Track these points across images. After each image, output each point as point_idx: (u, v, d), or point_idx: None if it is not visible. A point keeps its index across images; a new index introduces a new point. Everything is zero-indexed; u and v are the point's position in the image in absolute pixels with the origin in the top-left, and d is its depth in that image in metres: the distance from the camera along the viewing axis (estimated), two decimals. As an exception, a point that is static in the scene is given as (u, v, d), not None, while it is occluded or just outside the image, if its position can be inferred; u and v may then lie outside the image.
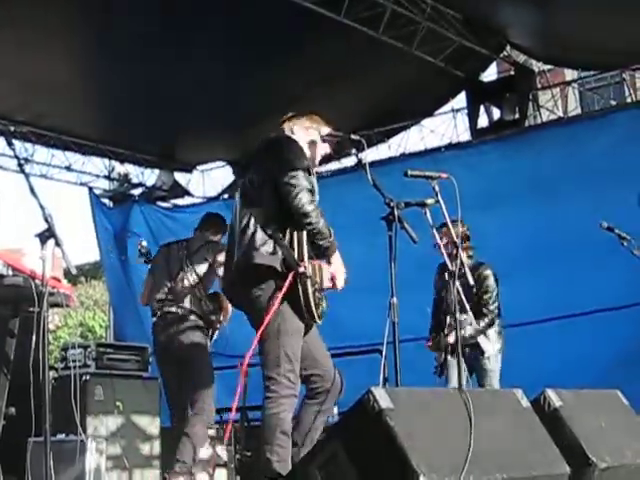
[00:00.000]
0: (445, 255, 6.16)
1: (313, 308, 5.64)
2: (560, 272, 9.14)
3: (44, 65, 10.39)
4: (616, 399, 6.07)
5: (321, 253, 5.80)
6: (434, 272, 8.25)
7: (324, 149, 6.15)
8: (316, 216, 5.62)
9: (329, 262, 5.80)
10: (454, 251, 6.78)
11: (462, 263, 6.37)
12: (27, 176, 5.20)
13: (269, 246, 5.65)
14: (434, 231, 6.10)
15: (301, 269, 5.61)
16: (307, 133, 6.08)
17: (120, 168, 14.15)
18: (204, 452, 8.56)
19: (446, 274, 6.66)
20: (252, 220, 5.74)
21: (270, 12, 9.33)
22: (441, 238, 6.40)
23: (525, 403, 5.23)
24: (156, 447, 9.16)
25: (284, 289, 5.52)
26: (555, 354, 9.81)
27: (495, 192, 10.47)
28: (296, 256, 5.62)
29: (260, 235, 5.67)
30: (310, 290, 5.62)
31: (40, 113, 12.00)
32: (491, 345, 8.10)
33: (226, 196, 14.03)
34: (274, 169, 5.71)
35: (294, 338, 5.66)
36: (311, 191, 5.67)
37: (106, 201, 14.21)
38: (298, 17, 9.41)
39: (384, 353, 5.95)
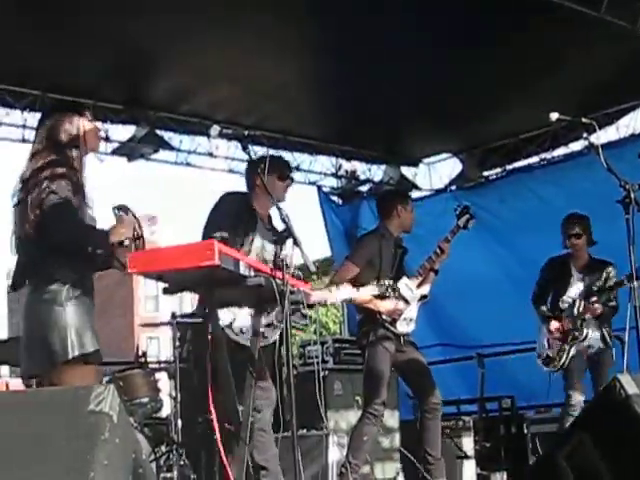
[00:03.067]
0: None
1: None
2: None
3: (269, 69, 10.59)
4: None
5: None
6: None
7: None
8: None
9: None
10: None
11: None
12: (263, 179, 5.33)
13: None
14: None
15: None
16: None
17: (347, 165, 14.24)
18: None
19: None
20: None
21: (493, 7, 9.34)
22: None
23: None
24: (396, 440, 9.21)
25: None
26: None
27: None
28: None
29: None
30: None
31: (266, 116, 12.24)
32: None
33: (454, 187, 13.98)
34: None
35: None
36: None
37: (335, 198, 14.37)
38: (517, 4, 9.34)
39: (626, 339, 5.83)
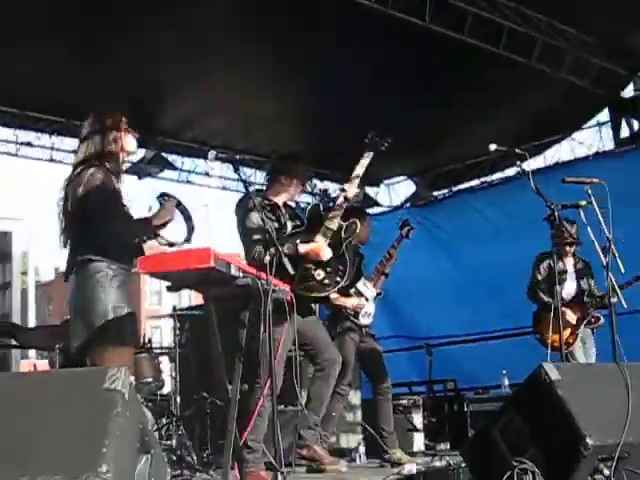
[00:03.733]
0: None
1: None
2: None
3: (259, 105, 10.65)
4: None
5: None
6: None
7: None
8: None
9: None
10: None
11: None
12: (251, 195, 5.35)
13: None
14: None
15: None
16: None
17: (320, 185, 14.37)
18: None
19: None
20: None
21: (442, 53, 9.42)
22: None
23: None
24: (358, 415, 9.22)
25: None
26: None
27: (638, 193, 10.15)
28: None
29: None
30: None
31: (255, 143, 12.30)
32: None
33: (408, 205, 14.06)
34: None
35: None
36: None
37: (310, 213, 14.40)
38: (463, 55, 9.43)
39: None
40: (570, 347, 7.92)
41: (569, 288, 8.21)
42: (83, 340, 4.87)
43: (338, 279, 6.42)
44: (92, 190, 4.94)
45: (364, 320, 7.78)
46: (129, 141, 5.29)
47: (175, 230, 5.29)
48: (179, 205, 5.31)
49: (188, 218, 5.35)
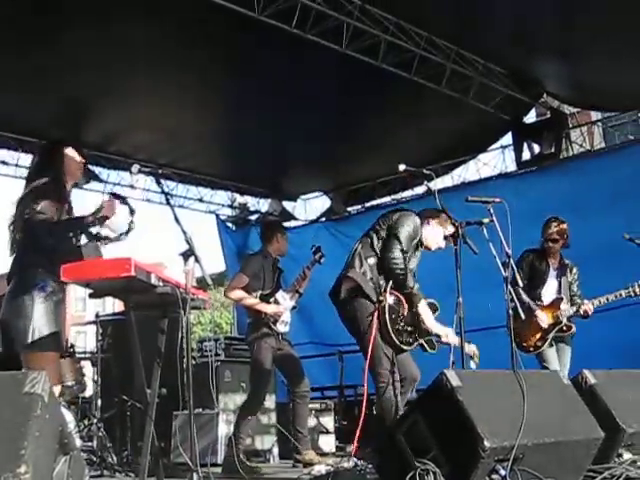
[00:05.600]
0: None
1: (393, 337, 5.80)
2: (593, 276, 8.83)
3: (181, 121, 10.60)
4: (641, 376, 5.97)
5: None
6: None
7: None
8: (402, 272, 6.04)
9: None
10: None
11: None
12: (172, 207, 5.31)
13: (364, 269, 5.86)
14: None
15: (380, 297, 5.81)
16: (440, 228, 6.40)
17: (240, 199, 14.43)
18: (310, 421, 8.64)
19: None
20: (359, 247, 6.24)
21: (356, 78, 9.50)
22: None
23: (566, 381, 5.19)
24: (273, 418, 9.21)
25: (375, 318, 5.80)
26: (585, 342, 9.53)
27: (537, 212, 10.30)
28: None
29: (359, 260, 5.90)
30: (388, 320, 5.78)
31: (177, 158, 12.24)
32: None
33: (324, 219, 14.12)
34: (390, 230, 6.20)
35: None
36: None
37: (230, 225, 14.38)
38: (377, 79, 9.53)
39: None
40: (538, 350, 7.67)
41: (550, 288, 7.91)
42: (5, 348, 4.91)
43: None
44: (34, 218, 5.12)
45: (281, 328, 7.79)
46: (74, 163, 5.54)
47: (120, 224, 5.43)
48: (123, 200, 5.46)
49: (131, 212, 5.48)
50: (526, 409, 4.36)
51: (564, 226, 7.71)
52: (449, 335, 6.23)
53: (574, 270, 8.06)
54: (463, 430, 4.12)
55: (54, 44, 8.42)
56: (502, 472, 4.16)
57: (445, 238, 6.34)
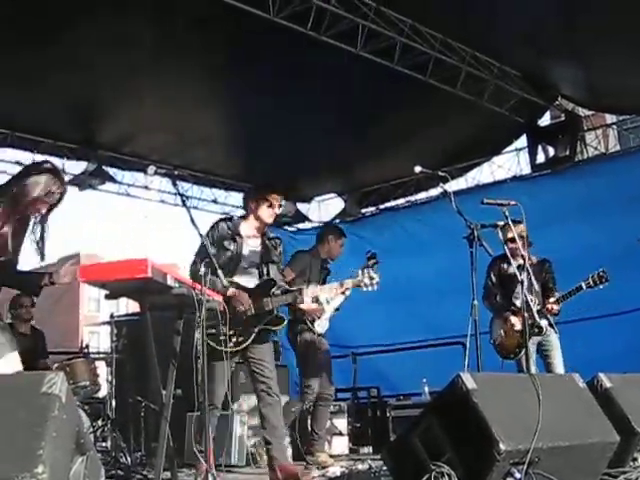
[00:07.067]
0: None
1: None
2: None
3: (197, 122, 10.61)
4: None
5: None
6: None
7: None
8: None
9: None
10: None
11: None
12: (188, 209, 5.26)
13: None
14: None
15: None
16: None
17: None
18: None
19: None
20: None
21: (375, 81, 9.52)
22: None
23: (582, 385, 5.17)
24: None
25: None
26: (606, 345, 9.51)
27: (552, 215, 10.30)
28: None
29: None
30: None
31: (192, 159, 12.25)
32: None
33: (337, 221, 14.08)
34: None
35: None
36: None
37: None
38: (393, 82, 9.51)
39: (467, 345, 5.90)
40: (517, 356, 7.62)
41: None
42: None
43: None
44: None
45: (319, 328, 7.80)
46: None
47: None
48: None
49: None
50: (541, 412, 4.36)
51: (521, 226, 7.42)
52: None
53: (546, 265, 8.00)
54: (478, 433, 4.11)
55: (69, 45, 8.42)
56: (517, 475, 4.15)
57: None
